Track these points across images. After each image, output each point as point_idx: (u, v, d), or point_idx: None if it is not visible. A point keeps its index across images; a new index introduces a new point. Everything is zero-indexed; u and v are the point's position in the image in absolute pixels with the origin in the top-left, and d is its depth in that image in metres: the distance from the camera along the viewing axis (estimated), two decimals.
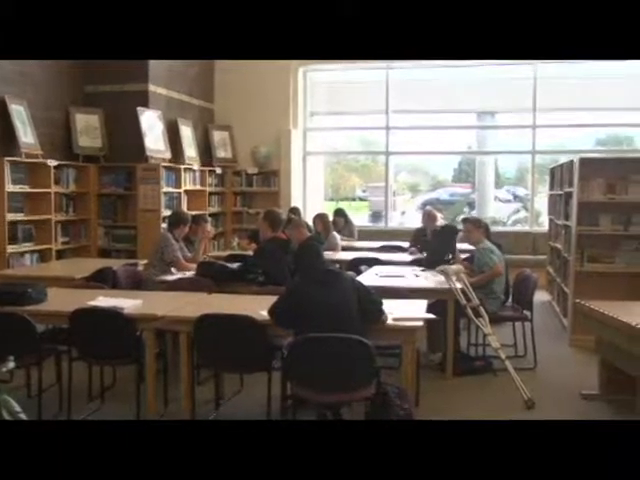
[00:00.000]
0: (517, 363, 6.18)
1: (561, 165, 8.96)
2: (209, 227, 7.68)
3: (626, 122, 12.39)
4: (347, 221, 10.21)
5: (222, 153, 11.79)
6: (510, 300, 6.86)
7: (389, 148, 12.41)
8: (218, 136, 11.80)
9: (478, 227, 6.81)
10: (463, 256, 7.28)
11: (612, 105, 12.04)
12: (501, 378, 5.84)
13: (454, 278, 5.93)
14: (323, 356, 4.01)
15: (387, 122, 12.23)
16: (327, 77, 12.84)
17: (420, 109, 12.71)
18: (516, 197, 14.34)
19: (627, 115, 12.50)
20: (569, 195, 7.87)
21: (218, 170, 11.51)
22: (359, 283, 4.53)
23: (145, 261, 7.21)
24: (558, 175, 9.26)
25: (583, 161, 7.38)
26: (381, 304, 4.41)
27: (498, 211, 13.91)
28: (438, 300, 6.10)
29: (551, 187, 10.12)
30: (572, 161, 7.72)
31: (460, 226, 7.36)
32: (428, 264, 6.98)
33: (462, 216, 9.88)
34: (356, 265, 7.64)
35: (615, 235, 7.30)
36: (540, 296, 9.43)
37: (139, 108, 9.50)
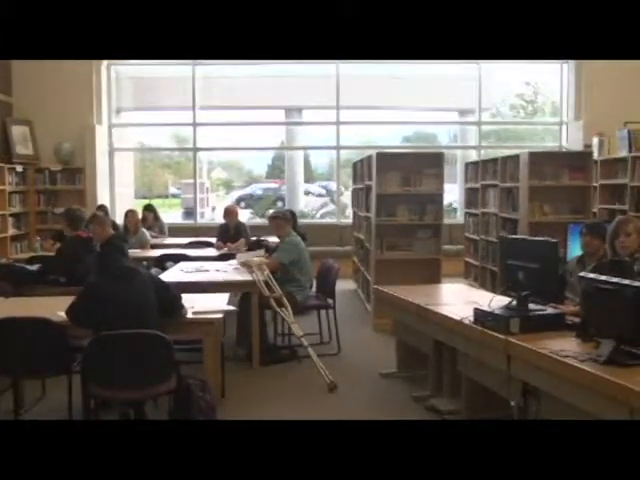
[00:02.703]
0: (322, 349, 6.45)
1: (361, 160, 9.38)
2: None
3: (429, 120, 13.27)
4: (156, 217, 10.09)
5: (22, 149, 11.22)
6: (315, 289, 7.11)
7: (198, 144, 12.39)
8: (17, 131, 11.21)
9: (287, 220, 6.98)
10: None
11: (417, 104, 12.86)
12: (306, 365, 6.04)
13: (257, 270, 6.07)
14: (121, 353, 3.99)
15: (194, 118, 12.21)
16: (133, 72, 12.59)
17: (229, 105, 12.83)
18: (329, 191, 14.79)
19: (430, 114, 13.38)
20: (369, 188, 8.27)
21: (19, 167, 10.93)
22: (157, 279, 4.57)
23: None
24: (359, 169, 9.69)
25: (380, 156, 7.79)
26: (180, 299, 4.47)
27: (308, 205, 14.32)
28: (245, 293, 6.26)
29: (354, 181, 10.57)
30: (371, 156, 8.11)
31: None
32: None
33: (272, 210, 10.06)
34: (163, 262, 7.62)
35: (411, 225, 7.77)
36: (347, 285, 9.89)
37: None
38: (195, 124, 12.24)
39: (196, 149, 12.42)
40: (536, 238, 4.56)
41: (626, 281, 3.45)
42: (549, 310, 4.19)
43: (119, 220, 9.50)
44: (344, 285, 9.59)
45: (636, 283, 3.46)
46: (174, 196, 16.71)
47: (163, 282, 4.54)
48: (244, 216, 12.51)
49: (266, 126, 13.42)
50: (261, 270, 6.16)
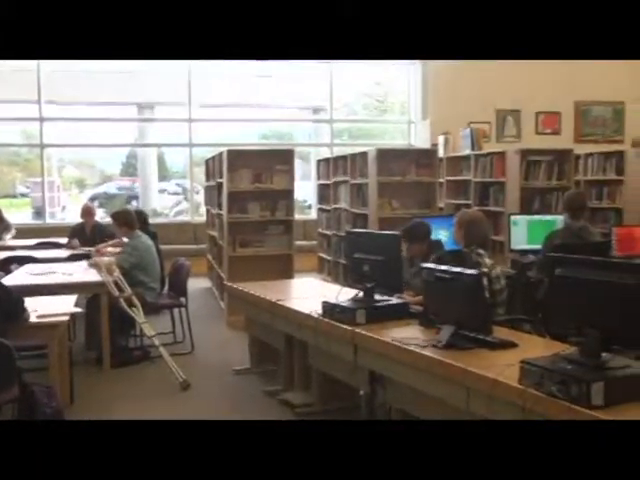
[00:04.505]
0: (176, 349, 6.39)
1: (213, 157, 9.37)
2: None
3: (282, 118, 13.40)
4: (1, 218, 9.62)
5: None
6: (167, 288, 7.04)
7: (46, 140, 11.89)
8: None
9: (125, 223, 6.79)
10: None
11: (272, 102, 12.99)
12: (158, 365, 5.92)
13: (105, 271, 5.95)
14: None
15: (40, 112, 11.70)
16: None
17: (79, 100, 12.42)
18: (184, 190, 14.67)
19: (285, 112, 13.53)
20: (220, 185, 8.27)
21: None
22: None
23: None
24: (211, 167, 9.67)
25: (231, 153, 7.82)
26: (22, 302, 4.30)
27: (162, 203, 14.12)
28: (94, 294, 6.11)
29: (207, 178, 10.53)
30: (222, 153, 8.10)
31: None
32: None
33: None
34: (8, 264, 7.29)
35: (263, 221, 7.87)
36: (202, 283, 9.85)
37: None
38: (42, 119, 11.71)
39: (43, 145, 11.90)
40: (379, 232, 4.73)
41: (464, 270, 3.65)
42: (394, 300, 4.35)
43: None
44: (199, 283, 9.56)
45: (472, 271, 3.67)
46: (23, 195, 15.99)
47: (3, 285, 4.35)
48: (97, 215, 12.17)
49: (118, 122, 13.09)
50: (110, 270, 6.03)
